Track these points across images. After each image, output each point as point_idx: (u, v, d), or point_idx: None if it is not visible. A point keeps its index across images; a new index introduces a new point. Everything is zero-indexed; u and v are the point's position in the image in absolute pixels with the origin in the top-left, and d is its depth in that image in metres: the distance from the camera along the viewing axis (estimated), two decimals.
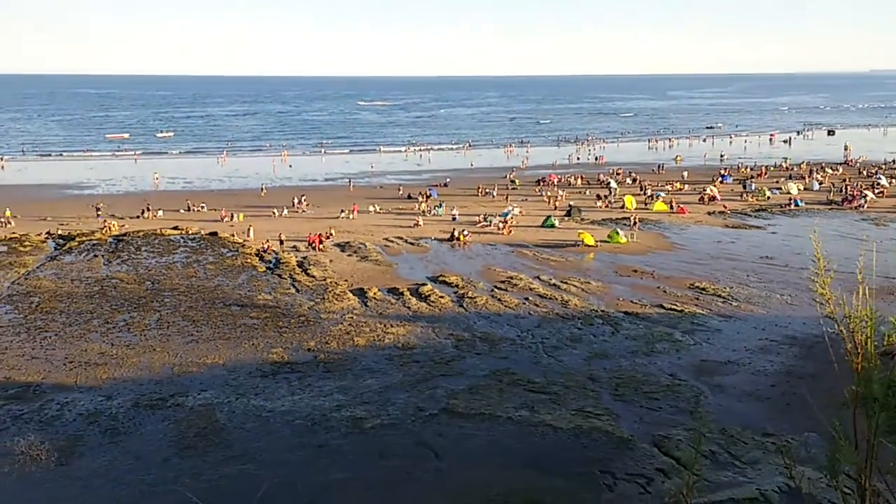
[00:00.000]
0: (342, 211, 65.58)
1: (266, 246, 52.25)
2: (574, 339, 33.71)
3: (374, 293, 40.66)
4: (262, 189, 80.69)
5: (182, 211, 67.57)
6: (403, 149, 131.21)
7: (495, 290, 41.56)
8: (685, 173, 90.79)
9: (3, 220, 61.19)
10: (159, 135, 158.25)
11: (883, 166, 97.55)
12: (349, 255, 50.38)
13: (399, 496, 20.82)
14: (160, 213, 65.54)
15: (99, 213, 64.91)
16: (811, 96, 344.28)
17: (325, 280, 43.64)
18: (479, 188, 79.24)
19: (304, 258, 49.28)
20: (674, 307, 38.14)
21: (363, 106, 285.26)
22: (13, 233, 57.32)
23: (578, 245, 52.76)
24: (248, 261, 48.50)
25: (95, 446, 23.73)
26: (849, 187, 77.45)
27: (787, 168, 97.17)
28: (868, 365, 5.21)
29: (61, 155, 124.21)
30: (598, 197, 73.39)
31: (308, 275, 44.94)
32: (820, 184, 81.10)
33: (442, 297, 39.96)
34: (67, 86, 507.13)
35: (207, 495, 20.59)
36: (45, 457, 15.29)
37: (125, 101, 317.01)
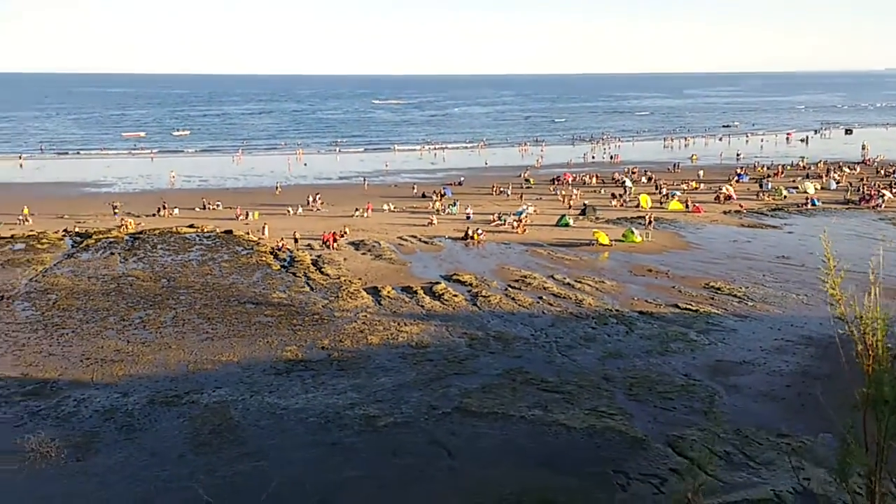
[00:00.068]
0: (356, 209, 65.73)
1: (281, 244, 52.45)
2: (588, 338, 33.64)
3: (388, 292, 40.73)
4: (277, 187, 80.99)
5: (197, 209, 67.95)
6: (418, 147, 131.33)
7: (509, 288, 41.53)
8: (701, 172, 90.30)
9: (21, 217, 61.74)
10: (175, 133, 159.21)
11: None
12: (363, 254, 50.50)
13: (412, 495, 20.87)
14: (176, 211, 65.91)
15: (116, 211, 65.40)
16: (828, 95, 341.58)
17: (339, 278, 43.77)
18: (493, 187, 79.17)
19: (319, 256, 49.44)
20: (689, 307, 37.98)
21: (378, 104, 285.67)
22: (31, 230, 57.85)
23: (593, 244, 52.62)
24: (263, 259, 48.71)
25: (111, 442, 23.94)
26: (866, 186, 76.80)
27: (804, 167, 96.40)
28: (879, 367, 5.16)
29: (78, 153, 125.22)
30: (613, 196, 73.14)
31: (322, 273, 45.09)
32: (837, 183, 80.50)
33: (456, 295, 39.98)
34: (85, 84, 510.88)
35: (222, 492, 20.74)
36: (56, 453, 15.47)
37: (142, 99, 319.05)
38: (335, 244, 52.49)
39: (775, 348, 32.16)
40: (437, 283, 42.60)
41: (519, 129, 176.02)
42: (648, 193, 72.99)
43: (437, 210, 67.01)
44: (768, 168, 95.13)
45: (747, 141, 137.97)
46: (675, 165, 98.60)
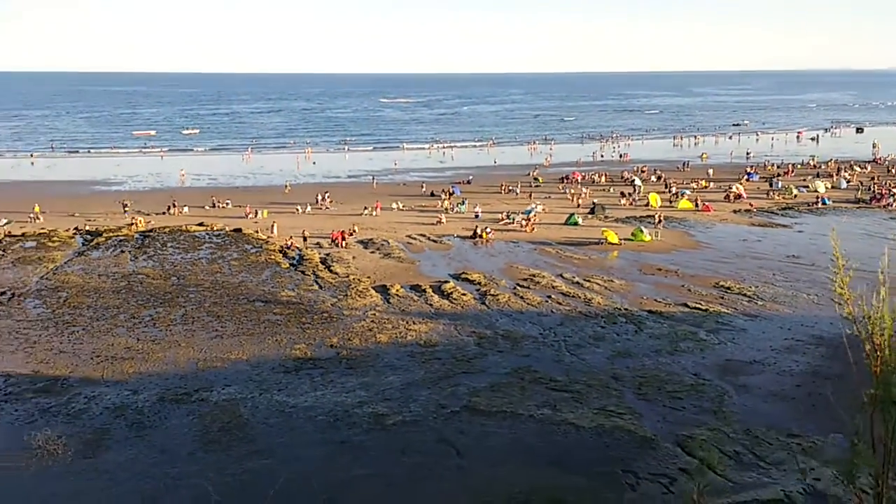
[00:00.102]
0: (365, 208, 65.79)
1: (290, 242, 52.55)
2: (597, 337, 33.59)
3: (397, 290, 40.76)
4: (286, 186, 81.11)
5: (207, 207, 68.14)
6: (427, 146, 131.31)
7: (518, 287, 41.50)
8: (711, 171, 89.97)
9: (32, 215, 62.07)
10: (185, 132, 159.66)
11: None
12: (372, 252, 50.55)
13: (420, 493, 20.88)
14: (186, 209, 66.15)
15: (126, 209, 65.68)
16: (839, 93, 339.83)
17: (347, 277, 43.83)
18: (502, 185, 79.10)
19: (328, 255, 49.51)
20: (698, 306, 37.86)
21: (386, 103, 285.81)
22: (42, 228, 58.16)
23: (602, 243, 52.53)
24: (272, 257, 48.82)
25: (121, 440, 24.05)
26: (877, 186, 76.38)
27: (814, 166, 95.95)
28: (887, 368, 5.13)
29: (89, 151, 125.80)
30: (623, 195, 72.95)
31: (331, 271, 45.16)
32: (848, 182, 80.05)
33: (464, 294, 39.98)
34: (95, 83, 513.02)
35: (231, 490, 20.81)
36: (62, 451, 15.63)
37: (152, 98, 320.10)
38: (344, 242, 52.55)
39: (785, 348, 32.03)
40: (446, 281, 42.61)
41: (528, 127, 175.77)
42: (658, 192, 72.73)
43: (446, 208, 66.99)
44: (778, 167, 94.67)
45: (757, 139, 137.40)
46: (684, 164, 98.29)
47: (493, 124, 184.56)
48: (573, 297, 39.74)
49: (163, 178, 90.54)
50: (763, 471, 21.56)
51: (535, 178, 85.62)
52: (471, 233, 55.74)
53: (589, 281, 42.63)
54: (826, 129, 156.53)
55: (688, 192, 74.38)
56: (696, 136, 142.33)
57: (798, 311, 37.10)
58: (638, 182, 79.91)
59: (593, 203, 67.17)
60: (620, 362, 30.52)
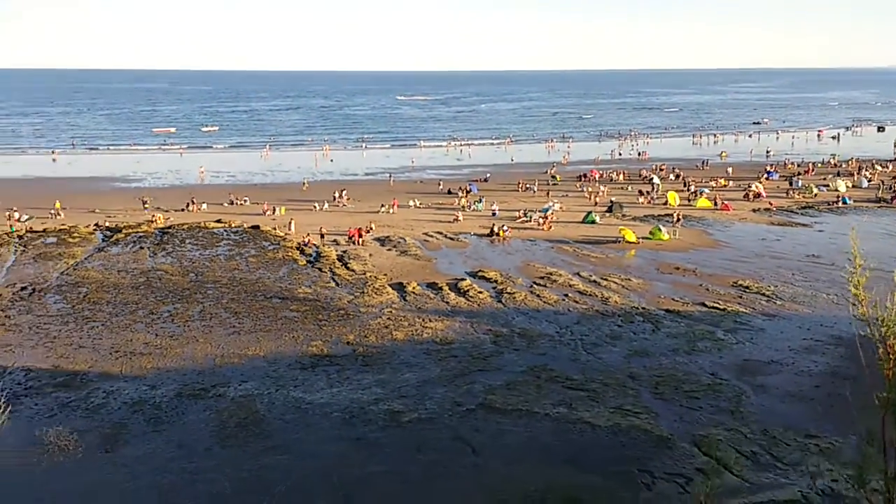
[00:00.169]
0: (382, 205, 65.89)
1: (307, 239, 52.74)
2: (614, 336, 33.47)
3: (413, 287, 40.81)
4: (303, 183, 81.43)
5: (225, 204, 68.50)
6: (444, 144, 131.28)
7: (534, 286, 41.42)
8: (730, 169, 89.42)
9: (53, 211, 62.69)
10: (204, 129, 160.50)
11: None
12: (389, 250, 50.62)
13: (436, 491, 20.91)
14: (204, 206, 66.53)
15: (146, 205, 66.19)
16: (861, 91, 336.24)
17: (364, 274, 43.93)
18: (519, 183, 78.96)
19: (344, 252, 49.65)
20: (716, 305, 37.64)
21: (403, 101, 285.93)
22: (63, 224, 58.73)
23: (619, 241, 52.32)
24: (289, 254, 49.02)
25: (140, 434, 24.27)
26: None
27: (835, 165, 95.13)
28: None
29: (109, 148, 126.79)
30: (641, 193, 72.60)
31: (348, 268, 45.28)
32: (869, 181, 79.27)
33: (481, 292, 39.96)
34: (115, 81, 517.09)
35: (248, 485, 20.93)
36: (74, 446, 15.88)
37: (171, 95, 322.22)
38: (361, 240, 52.66)
39: (804, 348, 31.78)
40: (463, 279, 42.61)
41: (546, 125, 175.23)
42: (676, 190, 72.35)
43: (463, 206, 66.97)
44: (799, 165, 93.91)
45: (778, 138, 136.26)
46: (703, 162, 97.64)
47: (510, 122, 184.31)
48: (590, 295, 39.61)
49: (182, 175, 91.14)
50: (780, 471, 21.42)
51: (553, 176, 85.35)
52: (488, 231, 55.69)
53: (606, 279, 42.48)
54: (847, 128, 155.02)
55: (707, 190, 73.93)
56: (715, 135, 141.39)
57: (817, 311, 36.79)
58: (656, 180, 79.47)
59: (611, 201, 66.91)
60: (637, 361, 30.40)
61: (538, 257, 48.43)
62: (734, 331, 33.93)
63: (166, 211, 63.95)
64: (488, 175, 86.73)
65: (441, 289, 40.65)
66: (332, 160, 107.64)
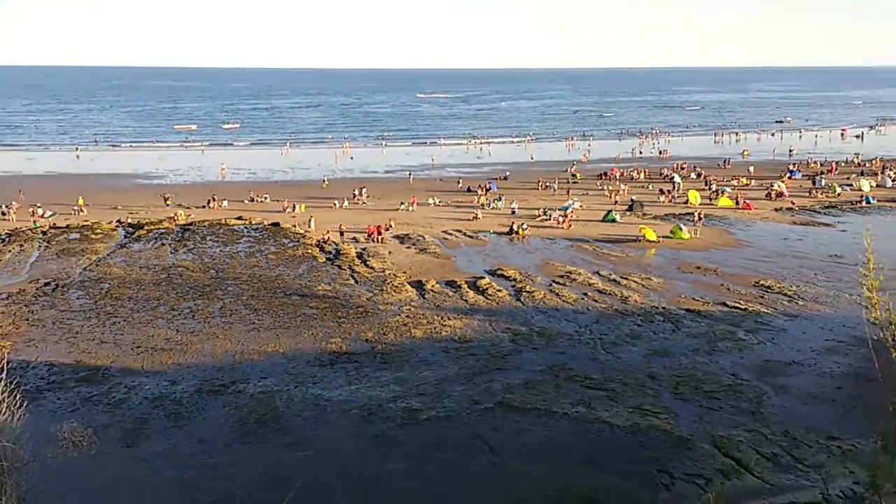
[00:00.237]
0: (402, 203, 65.97)
1: (326, 237, 52.92)
2: (633, 335, 33.30)
3: (432, 285, 40.82)
4: (323, 180, 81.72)
5: (246, 201, 68.88)
6: (464, 141, 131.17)
7: (553, 284, 41.30)
8: (752, 168, 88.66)
9: (76, 207, 63.33)
10: (225, 126, 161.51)
11: None
12: (408, 248, 50.68)
13: (454, 489, 20.92)
14: (225, 203, 66.92)
15: (167, 202, 66.68)
16: (886, 90, 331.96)
17: (383, 272, 44.01)
18: (539, 182, 78.74)
19: (364, 249, 49.77)
20: (737, 305, 37.34)
21: (423, 98, 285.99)
22: (86, 220, 59.35)
23: (640, 240, 52.04)
24: (309, 251, 49.21)
25: (160, 429, 24.49)
26: None
27: (858, 164, 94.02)
28: None
29: (131, 145, 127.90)
30: (662, 192, 72.17)
31: (367, 266, 45.38)
32: (893, 181, 78.22)
33: (499, 290, 39.90)
34: (137, 78, 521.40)
35: (267, 481, 21.03)
36: (87, 442, 16.15)
37: (193, 92, 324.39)
38: (380, 237, 52.75)
39: (826, 349, 31.45)
40: (481, 277, 42.56)
41: (566, 123, 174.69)
42: (698, 189, 71.86)
43: (482, 204, 66.90)
44: (822, 164, 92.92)
45: (801, 137, 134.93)
46: (725, 161, 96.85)
47: (530, 120, 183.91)
48: (610, 294, 39.44)
49: (203, 172, 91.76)
50: (801, 473, 21.22)
51: (573, 175, 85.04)
52: (507, 229, 55.60)
53: (626, 278, 42.27)
54: (871, 127, 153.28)
55: (728, 189, 73.38)
56: (737, 133, 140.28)
57: (840, 311, 36.38)
58: (677, 179, 78.98)
59: (632, 200, 66.57)
60: (657, 361, 30.24)
61: (558, 256, 48.28)
62: (755, 331, 33.65)
63: (187, 208, 64.39)
64: (508, 173, 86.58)
65: (460, 287, 40.63)
66: (352, 158, 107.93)
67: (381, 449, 23.09)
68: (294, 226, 57.46)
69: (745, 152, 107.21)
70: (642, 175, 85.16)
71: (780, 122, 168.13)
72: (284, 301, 38.51)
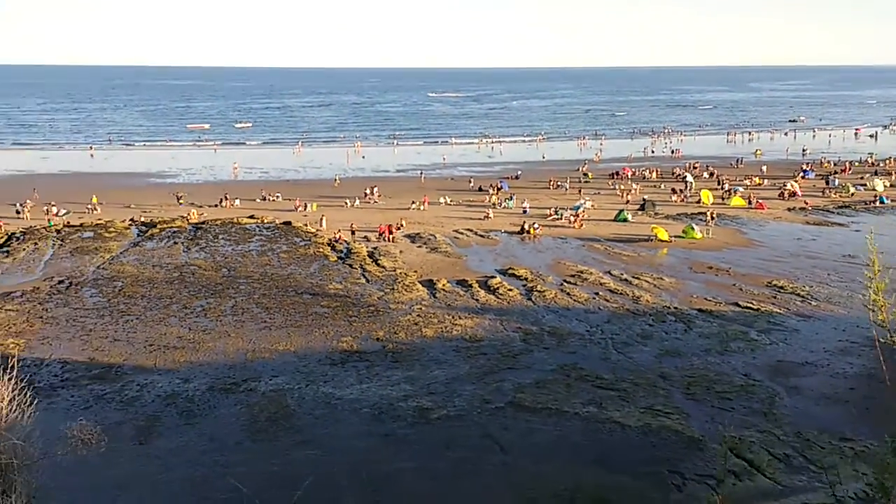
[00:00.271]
0: (413, 202, 66.02)
1: (338, 236, 53.04)
2: (645, 335, 33.20)
3: (443, 285, 40.84)
4: (335, 179, 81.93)
5: (258, 200, 69.13)
6: (475, 141, 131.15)
7: (565, 284, 41.24)
8: (764, 168, 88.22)
9: (90, 206, 63.75)
10: (238, 125, 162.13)
11: None
12: (419, 247, 50.72)
13: (464, 488, 20.92)
14: (237, 202, 67.18)
15: (180, 201, 67.02)
16: None
17: (394, 271, 44.06)
18: (550, 181, 78.62)
19: (375, 248, 49.84)
20: (750, 305, 37.17)
21: (434, 97, 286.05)
22: (99, 219, 59.72)
23: (651, 240, 51.89)
24: (320, 250, 49.33)
25: (173, 427, 24.60)
26: None
27: (872, 163, 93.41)
28: None
29: (145, 144, 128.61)
30: (674, 191, 71.94)
31: (378, 265, 45.44)
32: None
33: (511, 290, 39.87)
34: (151, 77, 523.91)
35: (278, 479, 21.10)
36: (96, 440, 16.33)
37: (206, 91, 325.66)
38: (391, 236, 52.82)
39: (839, 350, 31.26)
40: (493, 276, 42.55)
41: (578, 122, 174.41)
42: (710, 189, 71.58)
43: (494, 204, 66.89)
44: (835, 164, 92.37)
45: (814, 136, 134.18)
46: (738, 160, 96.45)
47: (542, 119, 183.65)
48: (621, 294, 39.34)
49: (216, 171, 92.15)
50: (814, 475, 21.10)
51: (585, 174, 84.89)
52: (518, 228, 55.56)
53: (638, 278, 42.15)
54: (885, 126, 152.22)
55: (741, 188, 73.03)
56: (750, 133, 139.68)
57: (853, 312, 36.11)
58: (690, 178, 78.69)
59: (643, 199, 66.39)
60: (669, 361, 30.14)
61: (569, 255, 48.20)
62: (768, 331, 33.49)
63: (200, 207, 64.68)
64: (519, 172, 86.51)
65: (471, 286, 40.63)
66: (363, 157, 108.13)
67: (392, 448, 23.12)
68: (306, 225, 57.61)
69: (758, 151, 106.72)
70: (654, 174, 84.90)
71: (794, 121, 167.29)
72: (296, 300, 38.62)
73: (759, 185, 77.56)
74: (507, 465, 22.09)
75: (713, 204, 65.52)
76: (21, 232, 54.73)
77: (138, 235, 54.44)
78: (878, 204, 66.02)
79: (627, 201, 67.48)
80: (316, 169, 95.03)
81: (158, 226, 56.88)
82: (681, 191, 72.04)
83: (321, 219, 58.39)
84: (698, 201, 67.32)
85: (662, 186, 76.59)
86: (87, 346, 31.95)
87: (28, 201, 63.75)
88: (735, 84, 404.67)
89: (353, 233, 54.57)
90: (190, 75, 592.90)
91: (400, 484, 21.13)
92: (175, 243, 51.38)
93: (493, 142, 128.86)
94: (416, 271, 43.99)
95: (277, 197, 70.17)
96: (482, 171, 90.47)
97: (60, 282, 41.82)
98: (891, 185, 74.61)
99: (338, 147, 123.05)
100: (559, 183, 77.66)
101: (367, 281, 42.19)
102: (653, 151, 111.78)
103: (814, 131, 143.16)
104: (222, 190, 72.04)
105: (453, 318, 35.54)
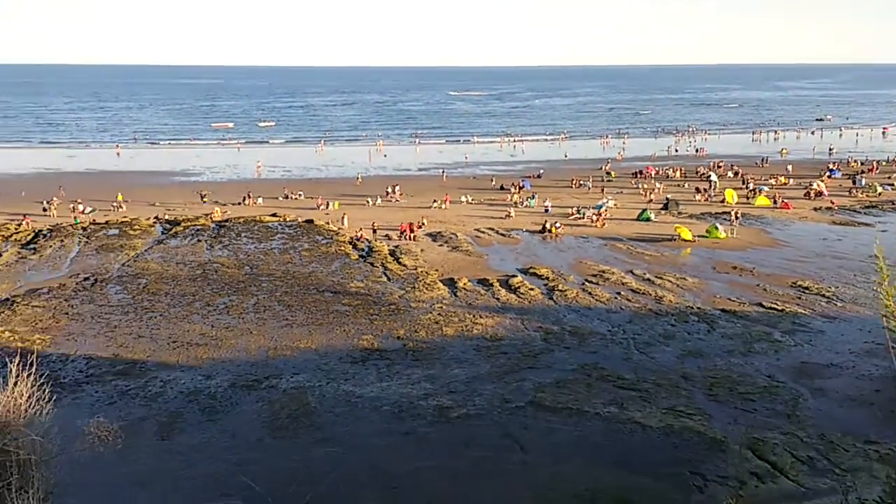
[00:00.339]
0: (434, 201, 66.02)
1: (359, 234, 53.18)
2: (667, 335, 32.97)
3: (464, 283, 40.81)
4: (357, 178, 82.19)
5: (280, 198, 69.51)
6: (497, 139, 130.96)
7: (586, 283, 41.06)
8: (790, 167, 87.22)
9: (115, 204, 64.47)
10: (261, 124, 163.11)
11: None
12: (440, 245, 50.73)
13: (484, 487, 20.89)
14: (260, 200, 67.58)
15: (204, 199, 67.56)
16: None
17: (415, 269, 44.10)
18: (572, 180, 78.29)
19: (396, 247, 49.92)
20: (774, 306, 36.78)
21: (456, 96, 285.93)
22: (124, 217, 60.36)
23: (675, 239, 51.51)
24: (342, 248, 49.50)
25: (195, 423, 24.81)
26: None
27: None
28: None
29: (170, 143, 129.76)
30: (698, 190, 71.35)
31: (399, 263, 45.51)
32: None
33: (532, 289, 39.77)
34: (176, 76, 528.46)
35: (298, 476, 21.19)
36: (113, 437, 16.51)
37: (230, 90, 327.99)
38: (413, 235, 52.88)
39: (865, 351, 30.85)
40: (514, 276, 42.46)
41: (601, 121, 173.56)
42: (734, 188, 70.89)
43: (515, 202, 66.74)
44: (862, 163, 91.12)
45: (841, 135, 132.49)
46: (763, 160, 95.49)
47: (565, 118, 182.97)
48: (643, 294, 39.10)
49: (239, 170, 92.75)
50: (838, 477, 20.84)
51: (608, 173, 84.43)
52: (540, 227, 55.39)
53: (660, 278, 41.87)
54: None
55: (766, 188, 72.24)
56: (776, 132, 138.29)
57: (880, 313, 35.60)
58: (714, 177, 77.94)
59: (667, 198, 65.90)
60: (691, 362, 29.91)
61: (591, 255, 47.98)
62: (792, 332, 33.13)
63: (223, 205, 65.15)
64: (542, 171, 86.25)
65: (492, 285, 40.57)
66: (385, 155, 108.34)
67: (412, 446, 23.15)
68: (327, 223, 57.84)
69: (784, 151, 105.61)
70: (678, 173, 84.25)
71: (821, 120, 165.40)
72: (317, 298, 38.78)
73: (785, 184, 76.71)
74: (527, 464, 22.04)
75: (737, 203, 64.89)
76: (48, 229, 55.44)
77: (162, 233, 54.96)
78: None
79: (650, 200, 67.04)
80: (338, 167, 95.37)
81: (182, 223, 57.37)
82: (705, 190, 71.43)
83: (343, 217, 58.58)
84: (722, 201, 66.72)
85: (686, 185, 75.99)
86: (111, 343, 32.31)
87: (55, 199, 64.60)
88: (761, 82, 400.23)
89: (374, 231, 54.71)
90: (212, 74, 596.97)
91: (419, 482, 21.15)
92: (198, 241, 51.79)
93: (515, 140, 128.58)
94: (437, 270, 44.01)
95: (300, 195, 70.51)
96: (504, 170, 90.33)
97: (86, 279, 42.31)
98: None
99: (360, 146, 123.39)
100: (581, 182, 77.31)
101: (389, 279, 42.27)
102: (677, 150, 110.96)
103: (840, 130, 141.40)
104: (245, 188, 72.53)
105: (474, 317, 35.52)
